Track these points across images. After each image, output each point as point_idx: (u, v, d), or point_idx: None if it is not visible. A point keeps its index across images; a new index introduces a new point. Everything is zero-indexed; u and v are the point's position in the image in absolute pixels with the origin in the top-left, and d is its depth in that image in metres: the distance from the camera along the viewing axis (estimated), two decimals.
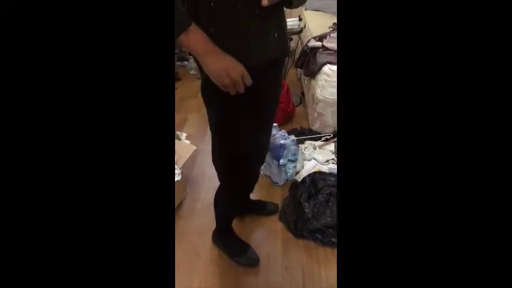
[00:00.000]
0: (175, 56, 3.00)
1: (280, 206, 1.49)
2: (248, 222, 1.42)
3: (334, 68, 1.74)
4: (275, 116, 0.96)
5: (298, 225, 1.37)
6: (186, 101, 2.42)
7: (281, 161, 1.57)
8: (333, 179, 1.52)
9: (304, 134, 1.93)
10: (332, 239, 1.30)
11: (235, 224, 1.32)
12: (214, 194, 1.15)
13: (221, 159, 0.95)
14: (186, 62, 3.04)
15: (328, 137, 1.87)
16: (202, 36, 0.66)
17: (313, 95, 1.92)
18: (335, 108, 1.82)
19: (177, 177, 1.42)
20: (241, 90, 0.71)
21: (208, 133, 1.99)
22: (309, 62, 1.98)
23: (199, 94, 0.84)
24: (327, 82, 1.77)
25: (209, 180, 1.65)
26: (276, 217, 1.45)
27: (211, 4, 0.66)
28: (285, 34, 0.80)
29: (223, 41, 0.68)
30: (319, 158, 1.73)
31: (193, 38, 0.64)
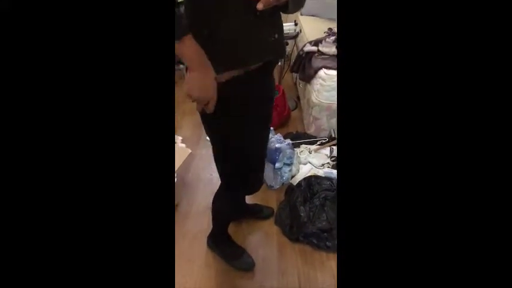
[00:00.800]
0: None
1: (275, 209, 1.48)
2: (244, 226, 1.41)
3: (330, 72, 1.75)
4: (272, 117, 0.96)
5: (294, 229, 1.36)
6: (181, 104, 2.41)
7: (277, 165, 1.57)
8: (328, 182, 1.52)
9: (300, 137, 1.94)
10: (327, 243, 1.30)
11: (231, 228, 1.31)
12: (209, 198, 1.14)
13: (225, 167, 0.94)
14: (181, 66, 3.03)
15: (324, 141, 1.87)
16: (196, 48, 0.66)
17: (308, 99, 1.93)
18: (330, 112, 1.83)
19: None
20: (207, 110, 0.74)
21: (203, 137, 1.99)
22: (305, 66, 1.99)
23: None
24: (322, 86, 1.78)
25: (204, 184, 1.65)
26: (271, 221, 1.44)
27: (205, 7, 0.66)
28: (282, 36, 0.80)
29: (217, 44, 0.68)
30: (314, 161, 1.73)
31: (187, 48, 0.65)
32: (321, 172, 1.65)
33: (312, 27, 2.43)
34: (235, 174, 0.94)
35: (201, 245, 1.32)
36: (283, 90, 2.11)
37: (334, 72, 1.75)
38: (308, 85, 1.95)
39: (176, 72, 3.02)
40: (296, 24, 2.13)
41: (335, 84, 1.75)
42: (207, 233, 1.30)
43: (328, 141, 1.86)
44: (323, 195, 1.45)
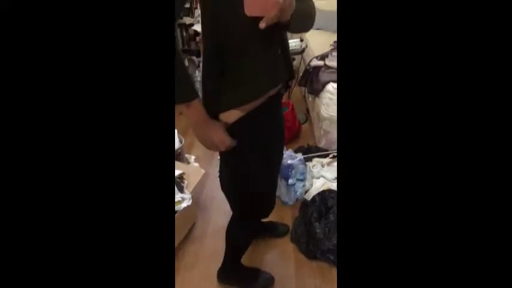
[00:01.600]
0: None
1: (291, 226, 1.48)
2: (259, 245, 1.41)
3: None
4: (284, 135, 0.97)
5: (310, 246, 1.35)
6: None
7: (290, 181, 1.58)
8: None
9: (311, 151, 1.94)
10: None
11: None
12: (224, 217, 1.14)
13: (235, 194, 0.94)
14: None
15: (336, 154, 1.87)
16: (201, 110, 0.71)
17: (318, 113, 1.94)
18: None
19: (188, 202, 1.43)
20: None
21: (216, 155, 2.01)
22: (312, 80, 2.01)
23: None
24: (331, 100, 1.79)
25: (218, 204, 1.66)
26: (287, 238, 1.44)
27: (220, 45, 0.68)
28: (289, 58, 0.81)
29: (234, 78, 0.70)
30: (327, 175, 1.73)
31: (193, 111, 0.69)
32: (334, 186, 1.64)
33: (318, 41, 2.46)
34: (251, 202, 0.93)
35: (220, 265, 1.33)
36: (292, 105, 2.13)
37: None
38: (317, 99, 1.97)
39: None
40: (302, 40, 2.17)
41: None
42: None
43: None
44: None
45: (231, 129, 0.76)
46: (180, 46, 3.03)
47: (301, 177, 1.62)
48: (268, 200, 0.98)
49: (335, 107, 1.79)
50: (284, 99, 1.25)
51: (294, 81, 2.31)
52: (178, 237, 1.44)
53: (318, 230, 1.38)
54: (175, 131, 1.70)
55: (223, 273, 1.23)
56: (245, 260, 1.24)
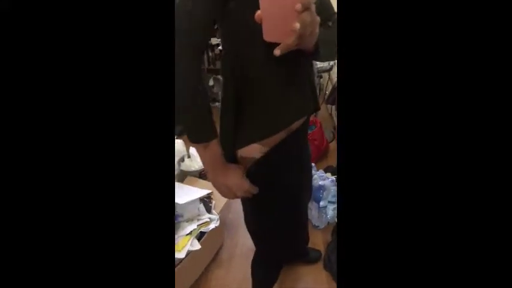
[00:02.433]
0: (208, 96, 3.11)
1: (323, 252, 1.40)
2: (290, 273, 1.33)
3: None
4: (311, 157, 0.91)
5: None
6: None
7: (321, 203, 1.51)
8: None
9: None
10: None
11: None
12: (251, 239, 1.09)
13: (257, 234, 0.87)
14: (217, 103, 3.14)
15: None
16: (217, 152, 0.63)
17: None
18: None
19: (216, 223, 1.39)
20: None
21: None
22: None
23: None
24: None
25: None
26: (320, 265, 1.35)
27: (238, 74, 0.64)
28: (314, 88, 0.75)
29: (253, 110, 0.65)
30: None
31: (210, 152, 0.62)
32: None
33: None
34: (275, 245, 0.86)
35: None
36: (320, 123, 2.08)
37: None
38: None
39: (214, 109, 3.12)
40: None
41: None
42: None
43: None
44: None
45: (252, 169, 0.69)
46: (206, 65, 3.09)
47: (333, 200, 1.54)
48: (296, 242, 0.90)
49: None
50: (311, 117, 1.21)
51: (320, 99, 2.28)
52: (205, 260, 1.39)
53: None
54: None
55: None
56: None
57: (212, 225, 1.37)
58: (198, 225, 1.33)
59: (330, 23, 0.67)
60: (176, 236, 1.26)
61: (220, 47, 2.96)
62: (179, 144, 1.91)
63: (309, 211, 1.56)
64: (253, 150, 0.68)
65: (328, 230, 1.51)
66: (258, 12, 0.50)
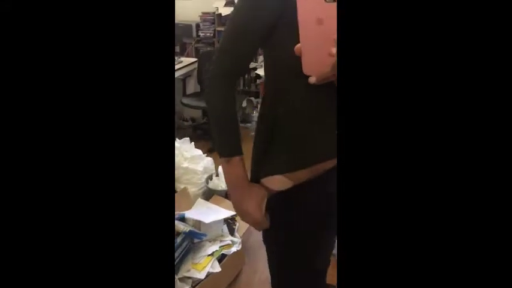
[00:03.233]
0: (239, 117, 3.20)
1: None
2: None
3: None
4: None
5: None
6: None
7: None
8: None
9: None
10: None
11: None
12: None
13: (273, 272, 0.81)
14: (248, 124, 3.21)
15: None
16: (241, 170, 0.63)
17: None
18: None
19: (238, 247, 1.39)
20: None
21: None
22: None
23: None
24: None
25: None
26: None
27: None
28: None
29: (283, 139, 0.65)
30: None
31: (234, 168, 0.63)
32: None
33: None
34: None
35: None
36: None
37: None
38: None
39: (243, 130, 3.19)
40: None
41: None
42: None
43: None
44: None
45: (273, 201, 0.67)
46: (241, 87, 3.20)
47: None
48: (323, 270, 0.84)
49: None
50: None
51: None
52: (224, 283, 1.38)
53: None
54: None
55: None
56: None
57: (234, 248, 1.37)
58: (220, 247, 1.34)
59: None
60: (198, 256, 1.28)
61: (256, 71, 3.06)
62: (209, 162, 1.96)
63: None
64: (277, 182, 0.66)
65: None
66: (298, 45, 0.51)
